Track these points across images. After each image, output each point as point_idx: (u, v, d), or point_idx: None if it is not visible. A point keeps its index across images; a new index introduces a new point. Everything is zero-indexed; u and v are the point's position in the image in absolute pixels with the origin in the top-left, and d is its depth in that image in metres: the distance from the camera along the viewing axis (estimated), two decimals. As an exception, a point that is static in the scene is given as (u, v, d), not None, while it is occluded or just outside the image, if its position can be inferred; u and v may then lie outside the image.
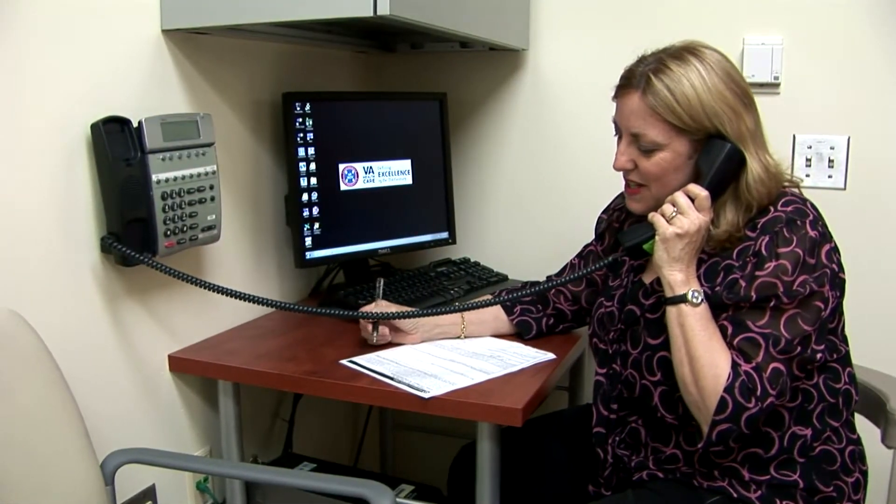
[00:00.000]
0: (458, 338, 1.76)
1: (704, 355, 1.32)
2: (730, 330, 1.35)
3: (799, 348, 1.32)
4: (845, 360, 1.46)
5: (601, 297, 1.62)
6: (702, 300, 1.36)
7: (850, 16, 1.97)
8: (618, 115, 1.46)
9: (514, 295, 1.63)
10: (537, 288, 1.67)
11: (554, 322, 1.79)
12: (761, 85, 2.03)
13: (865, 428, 1.56)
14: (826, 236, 1.37)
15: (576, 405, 2.12)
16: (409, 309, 1.68)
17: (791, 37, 2.02)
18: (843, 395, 1.43)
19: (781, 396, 1.32)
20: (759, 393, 1.30)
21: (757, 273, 1.34)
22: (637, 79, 1.40)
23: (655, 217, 1.41)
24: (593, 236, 1.77)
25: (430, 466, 2.21)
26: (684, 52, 1.40)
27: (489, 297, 1.74)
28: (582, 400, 2.11)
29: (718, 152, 1.38)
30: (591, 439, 1.57)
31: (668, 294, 1.38)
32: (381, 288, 1.70)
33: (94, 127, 1.46)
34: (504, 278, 2.22)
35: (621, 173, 1.49)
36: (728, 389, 1.29)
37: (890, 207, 2.00)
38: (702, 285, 1.39)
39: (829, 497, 1.40)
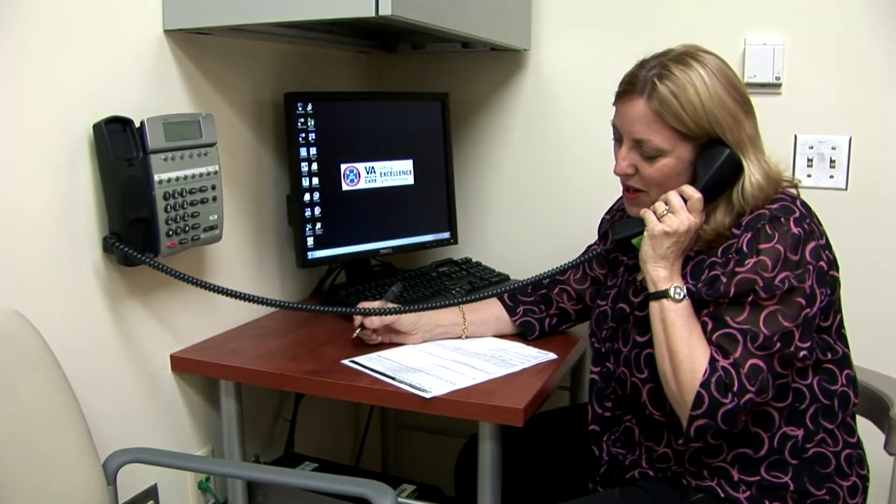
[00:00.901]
0: (460, 338, 1.76)
1: (683, 350, 1.33)
2: (710, 326, 1.36)
3: (779, 344, 1.33)
4: (843, 361, 1.46)
5: (598, 297, 1.62)
6: (684, 296, 1.37)
7: (852, 16, 1.96)
8: (619, 119, 1.45)
9: (512, 287, 1.62)
10: (533, 279, 1.64)
11: (557, 322, 1.79)
12: (763, 85, 2.03)
13: (872, 433, 1.56)
14: (813, 233, 1.37)
15: (577, 404, 2.12)
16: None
17: (792, 37, 2.02)
18: (839, 396, 1.43)
19: (762, 393, 1.33)
20: (735, 389, 1.30)
21: (737, 269, 1.35)
22: (641, 84, 1.40)
23: (647, 213, 1.42)
24: (595, 237, 1.77)
25: (431, 466, 2.22)
26: (686, 58, 1.40)
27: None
28: (583, 400, 2.10)
29: (716, 157, 1.39)
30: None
31: (651, 290, 1.39)
32: (395, 293, 1.71)
33: (97, 127, 1.46)
34: (506, 278, 2.22)
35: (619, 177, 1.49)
36: (704, 384, 1.31)
37: (891, 208, 2.00)
38: (687, 283, 1.39)
39: (822, 500, 1.40)
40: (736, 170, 1.39)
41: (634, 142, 1.42)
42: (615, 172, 1.47)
